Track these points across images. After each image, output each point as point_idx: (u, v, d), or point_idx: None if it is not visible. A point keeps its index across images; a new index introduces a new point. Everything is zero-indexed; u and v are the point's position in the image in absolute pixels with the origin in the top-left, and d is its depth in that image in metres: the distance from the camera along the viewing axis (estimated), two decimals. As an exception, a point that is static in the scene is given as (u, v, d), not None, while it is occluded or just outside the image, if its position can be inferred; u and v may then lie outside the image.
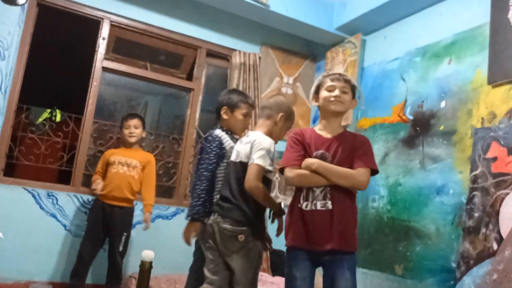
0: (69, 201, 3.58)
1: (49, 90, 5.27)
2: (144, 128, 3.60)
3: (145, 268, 1.16)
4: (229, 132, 2.60)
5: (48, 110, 3.87)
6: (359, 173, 2.13)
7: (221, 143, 2.50)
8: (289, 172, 2.15)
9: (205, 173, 2.42)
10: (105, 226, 3.34)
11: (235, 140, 2.56)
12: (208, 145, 2.49)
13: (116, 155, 3.46)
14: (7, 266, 3.33)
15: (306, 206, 2.14)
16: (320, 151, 2.18)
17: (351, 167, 2.16)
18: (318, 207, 2.11)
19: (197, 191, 2.40)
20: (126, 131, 3.52)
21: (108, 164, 3.45)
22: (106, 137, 3.96)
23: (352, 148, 2.19)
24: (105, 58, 3.90)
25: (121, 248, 3.34)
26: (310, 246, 2.10)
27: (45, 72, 5.24)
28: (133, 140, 3.52)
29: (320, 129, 2.26)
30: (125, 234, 3.37)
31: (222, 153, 2.49)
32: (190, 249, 3.87)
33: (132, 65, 4.10)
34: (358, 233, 3.55)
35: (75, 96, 4.27)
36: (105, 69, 3.90)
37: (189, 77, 4.32)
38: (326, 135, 2.23)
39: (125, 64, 4.04)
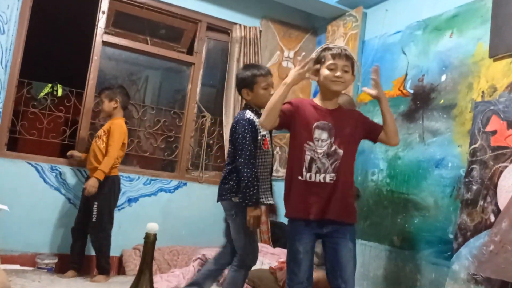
0: (72, 175, 3.63)
1: (50, 65, 5.26)
2: (112, 99, 3.46)
3: (150, 240, 1.19)
4: (256, 110, 2.61)
5: (50, 85, 3.88)
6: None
7: (254, 126, 2.52)
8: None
9: (252, 160, 2.46)
10: (84, 197, 3.37)
11: None
12: (242, 129, 2.49)
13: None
14: (14, 238, 3.40)
15: (311, 178, 2.15)
16: (320, 122, 2.20)
17: (355, 140, 2.24)
18: (327, 179, 2.14)
19: (250, 179, 2.42)
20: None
21: None
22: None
23: (357, 122, 2.30)
24: (105, 32, 3.89)
25: (93, 218, 3.28)
26: (313, 216, 2.14)
27: (46, 46, 5.22)
28: (102, 115, 3.59)
29: (318, 102, 2.29)
30: (95, 203, 3.30)
31: (255, 135, 2.53)
32: (191, 222, 3.96)
33: (132, 39, 4.09)
34: (357, 206, 3.60)
35: (76, 71, 4.26)
36: (105, 43, 3.89)
37: (190, 51, 4.30)
38: (326, 106, 2.26)
39: (125, 38, 4.02)
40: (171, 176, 4.05)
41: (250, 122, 2.51)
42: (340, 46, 2.25)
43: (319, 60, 2.24)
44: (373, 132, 2.36)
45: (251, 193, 2.41)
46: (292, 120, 2.21)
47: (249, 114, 2.55)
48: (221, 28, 4.32)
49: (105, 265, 3.36)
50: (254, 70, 2.64)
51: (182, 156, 4.14)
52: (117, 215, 3.69)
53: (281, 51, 4.50)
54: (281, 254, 3.65)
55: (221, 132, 4.25)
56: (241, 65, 4.19)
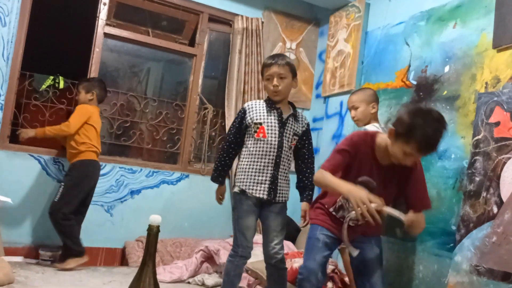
0: (75, 167, 3.63)
1: (51, 57, 5.24)
2: (89, 91, 3.46)
3: (153, 232, 1.19)
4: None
5: (51, 77, 3.88)
6: None
7: (244, 112, 2.67)
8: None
9: (224, 144, 2.73)
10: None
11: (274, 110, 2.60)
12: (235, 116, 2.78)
13: None
14: (17, 231, 3.41)
15: (337, 214, 2.33)
16: (366, 178, 2.20)
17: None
18: (350, 223, 2.18)
19: (216, 160, 2.76)
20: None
21: None
22: (110, 104, 3.97)
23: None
24: (107, 24, 3.87)
25: (56, 198, 3.26)
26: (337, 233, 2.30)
27: (47, 39, 5.20)
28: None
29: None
30: (61, 184, 3.31)
31: (241, 122, 2.67)
32: (194, 214, 3.97)
33: (133, 31, 4.07)
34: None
35: (77, 63, 4.25)
36: (106, 35, 3.88)
37: (192, 43, 4.29)
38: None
39: (126, 30, 4.01)
40: (173, 168, 4.06)
41: (242, 109, 2.66)
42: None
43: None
44: (411, 203, 2.28)
45: (212, 171, 2.73)
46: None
47: (252, 102, 2.68)
48: (223, 20, 4.30)
49: (72, 247, 3.25)
50: (265, 59, 2.68)
51: (184, 148, 4.14)
52: (119, 207, 3.72)
53: (283, 42, 4.48)
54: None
55: (223, 124, 4.24)
56: (243, 56, 4.18)
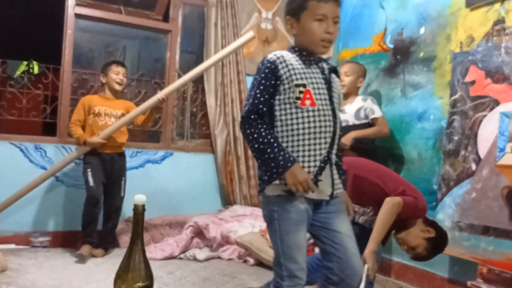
0: (57, 153, 3.60)
1: (23, 42, 5.12)
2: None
3: (139, 211, 1.21)
4: (300, 50, 1.75)
5: (25, 63, 3.79)
6: None
7: (275, 69, 1.71)
8: None
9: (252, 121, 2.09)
10: (105, 174, 3.37)
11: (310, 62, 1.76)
12: (255, 77, 1.78)
13: (100, 105, 3.40)
14: (6, 219, 3.40)
15: None
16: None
17: None
18: None
19: (255, 146, 1.86)
20: (115, 77, 3.41)
21: (90, 113, 3.38)
22: (88, 86, 3.91)
23: None
24: (77, 4, 3.78)
25: (122, 193, 3.43)
26: None
27: (16, 23, 5.07)
28: (120, 88, 3.46)
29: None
30: (123, 178, 3.45)
31: (275, 84, 1.76)
32: (181, 191, 3.99)
33: (105, 9, 3.98)
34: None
35: (50, 46, 4.16)
36: (78, 15, 3.78)
37: (166, 19, 4.22)
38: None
39: (98, 9, 3.91)
40: (156, 147, 4.05)
41: (270, 63, 1.70)
42: None
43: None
44: None
45: (268, 161, 1.64)
46: None
47: (277, 53, 1.73)
48: (196, -7, 4.22)
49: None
50: None
51: (167, 126, 4.12)
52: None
53: (259, 12, 4.43)
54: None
55: (204, 99, 4.22)
56: (219, 29, 4.13)
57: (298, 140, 1.69)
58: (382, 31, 3.44)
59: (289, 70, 1.69)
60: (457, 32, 2.83)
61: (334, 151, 1.74)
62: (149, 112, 3.39)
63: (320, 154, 1.69)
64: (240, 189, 4.08)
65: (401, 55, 3.24)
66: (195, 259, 3.28)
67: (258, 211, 3.82)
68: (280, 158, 1.62)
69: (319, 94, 1.71)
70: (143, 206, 1.23)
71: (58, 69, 3.73)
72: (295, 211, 1.67)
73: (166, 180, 3.97)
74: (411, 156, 3.08)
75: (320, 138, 1.70)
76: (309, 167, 1.67)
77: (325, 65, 1.78)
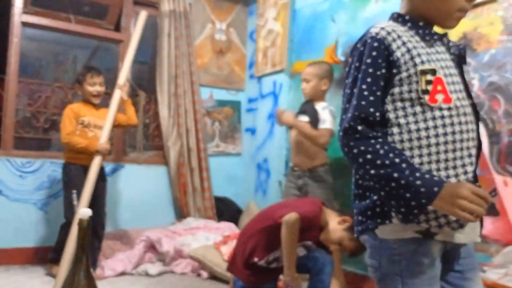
0: (1, 166, 3.43)
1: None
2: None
3: (83, 226, 1.16)
4: (414, 20, 1.27)
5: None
6: None
7: (385, 48, 1.20)
8: None
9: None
10: None
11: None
12: (355, 59, 1.26)
13: (89, 116, 3.16)
14: None
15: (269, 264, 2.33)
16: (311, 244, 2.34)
17: None
18: None
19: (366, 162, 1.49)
20: (91, 89, 3.15)
21: (78, 123, 3.11)
22: (35, 96, 3.76)
23: None
24: (24, 12, 3.64)
25: (106, 208, 3.24)
26: None
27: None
28: (98, 101, 3.21)
29: None
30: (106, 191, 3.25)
31: (388, 70, 1.25)
32: (133, 204, 3.89)
33: (54, 18, 3.85)
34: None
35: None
36: (24, 24, 3.65)
37: (117, 28, 4.14)
38: None
39: (46, 17, 3.78)
40: (107, 159, 3.93)
41: (379, 42, 1.17)
42: None
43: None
44: None
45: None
46: None
47: (384, 25, 1.22)
48: (149, 2, 4.17)
49: None
50: None
51: (118, 138, 4.02)
52: (54, 203, 3.56)
53: (213, 23, 4.43)
54: (225, 228, 3.68)
55: (157, 110, 4.15)
56: (173, 40, 4.09)
57: (429, 155, 1.11)
58: (333, 43, 3.51)
59: (408, 51, 1.15)
60: (404, 46, 2.93)
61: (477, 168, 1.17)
62: (126, 107, 3.25)
63: (465, 173, 1.12)
64: (194, 202, 4.03)
65: (352, 67, 3.31)
66: (147, 274, 3.19)
67: (212, 224, 3.77)
68: (418, 183, 1.03)
69: (453, 84, 1.16)
70: (88, 221, 1.18)
71: (3, 78, 3.58)
72: (430, 264, 1.11)
73: (117, 193, 3.86)
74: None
75: (462, 149, 1.13)
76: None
77: (450, 43, 1.24)
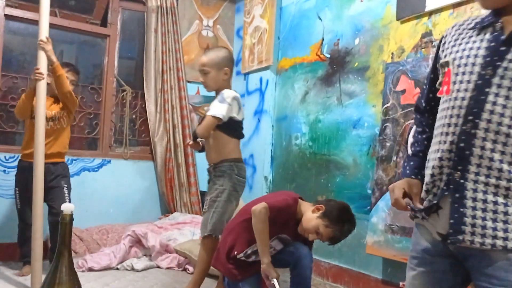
0: (-16, 161, 3.41)
1: None
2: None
3: (65, 221, 1.15)
4: None
5: (-52, 65, 3.56)
6: None
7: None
8: None
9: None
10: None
11: None
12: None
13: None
14: None
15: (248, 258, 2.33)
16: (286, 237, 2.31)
17: None
18: None
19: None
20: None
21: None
22: (18, 91, 3.73)
23: None
24: (7, 5, 3.61)
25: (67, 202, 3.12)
26: None
27: None
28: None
29: None
30: (65, 186, 3.08)
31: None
32: (119, 199, 3.89)
33: (38, 11, 3.81)
34: (284, 170, 3.71)
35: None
36: (8, 17, 3.62)
37: (104, 23, 4.12)
38: None
39: (30, 10, 3.75)
40: (93, 154, 3.93)
41: (441, 38, 1.30)
42: None
43: None
44: None
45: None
46: None
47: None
48: (136, -2, 4.16)
49: None
50: None
51: (104, 133, 4.01)
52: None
53: (200, 19, 4.43)
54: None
55: (143, 105, 4.15)
56: (160, 35, 4.09)
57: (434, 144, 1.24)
58: (319, 41, 3.53)
59: (444, 44, 1.24)
60: (389, 43, 2.96)
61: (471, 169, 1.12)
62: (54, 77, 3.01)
63: (440, 167, 1.18)
64: (181, 197, 4.04)
65: (337, 65, 3.34)
66: (132, 269, 3.20)
67: (198, 219, 3.78)
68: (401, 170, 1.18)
69: (463, 74, 1.15)
70: (71, 215, 1.19)
71: (-14, 73, 3.55)
72: None
73: (103, 188, 3.86)
74: (347, 162, 3.18)
75: (439, 143, 1.19)
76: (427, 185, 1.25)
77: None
